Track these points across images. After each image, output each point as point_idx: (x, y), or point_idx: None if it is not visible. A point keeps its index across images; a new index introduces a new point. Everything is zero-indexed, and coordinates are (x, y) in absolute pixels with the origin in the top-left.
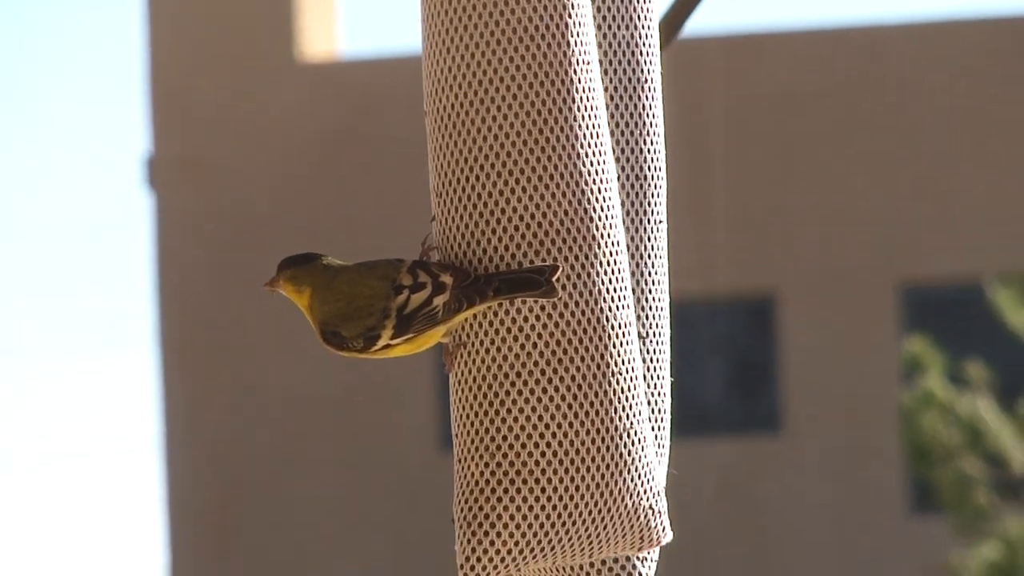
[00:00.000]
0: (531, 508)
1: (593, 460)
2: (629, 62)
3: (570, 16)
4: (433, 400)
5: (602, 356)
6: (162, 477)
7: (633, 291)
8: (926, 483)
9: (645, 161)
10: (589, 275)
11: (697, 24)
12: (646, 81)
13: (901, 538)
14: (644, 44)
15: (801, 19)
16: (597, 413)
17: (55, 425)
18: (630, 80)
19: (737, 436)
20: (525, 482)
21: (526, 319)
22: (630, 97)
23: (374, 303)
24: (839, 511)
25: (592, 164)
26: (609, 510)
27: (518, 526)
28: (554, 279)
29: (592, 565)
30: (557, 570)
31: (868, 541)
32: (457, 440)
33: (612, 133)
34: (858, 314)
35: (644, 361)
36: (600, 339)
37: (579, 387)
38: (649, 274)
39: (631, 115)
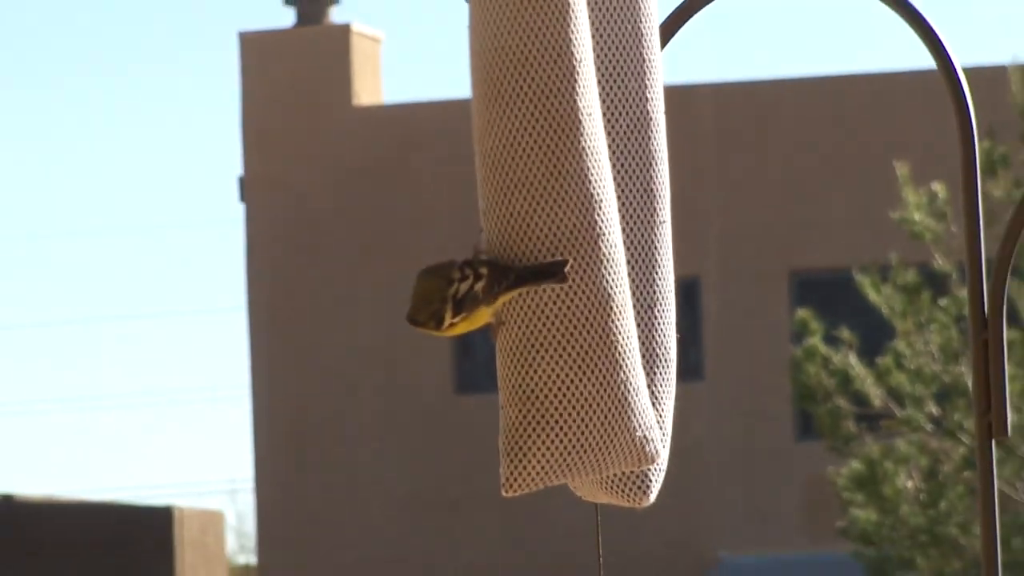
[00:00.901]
0: (554, 442)
1: (599, 405)
2: (639, 104)
3: (576, 80)
4: (451, 355)
5: (604, 328)
6: (250, 408)
7: (644, 272)
8: (809, 416)
9: (651, 179)
10: (593, 269)
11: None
12: (652, 119)
13: (791, 457)
14: (651, 91)
15: (727, 74)
16: (601, 370)
17: (170, 370)
18: (640, 119)
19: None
20: (548, 423)
21: (547, 303)
22: (641, 132)
23: (436, 294)
24: (746, 437)
25: (594, 188)
26: (613, 441)
27: (543, 455)
28: (565, 270)
29: (615, 475)
30: (593, 482)
31: (766, 459)
32: (501, 392)
33: (628, 157)
34: (760, 293)
35: (654, 324)
36: (602, 316)
37: (587, 351)
38: (657, 260)
39: (642, 145)
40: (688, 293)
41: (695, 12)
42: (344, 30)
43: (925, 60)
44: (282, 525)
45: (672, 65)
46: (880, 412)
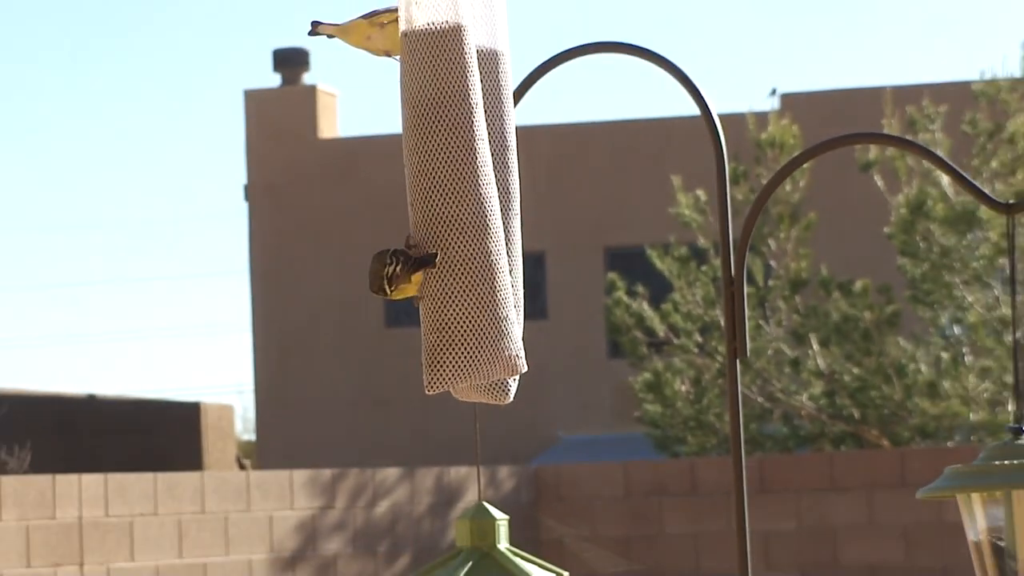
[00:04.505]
0: (458, 358)
1: (487, 335)
2: (501, 134)
3: (473, 116)
4: (383, 301)
5: (491, 283)
6: (251, 335)
7: (506, 247)
8: (617, 343)
9: (509, 184)
10: (485, 244)
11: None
12: (509, 144)
13: (605, 369)
14: (507, 125)
15: (582, 117)
16: (489, 312)
17: (198, 311)
18: (502, 144)
19: (524, 320)
20: (455, 346)
21: (457, 268)
22: (502, 153)
23: (379, 273)
24: (575, 355)
25: (484, 190)
26: (496, 358)
27: (451, 367)
28: (436, 259)
29: (490, 383)
30: (477, 387)
31: (589, 370)
32: (423, 324)
33: (496, 169)
34: (585, 263)
35: (512, 283)
36: (490, 275)
37: (481, 299)
38: (513, 239)
39: (503, 162)
40: (538, 262)
41: (539, 78)
42: (312, 88)
43: (694, 109)
44: (273, 413)
45: (549, 107)
46: (663, 340)
